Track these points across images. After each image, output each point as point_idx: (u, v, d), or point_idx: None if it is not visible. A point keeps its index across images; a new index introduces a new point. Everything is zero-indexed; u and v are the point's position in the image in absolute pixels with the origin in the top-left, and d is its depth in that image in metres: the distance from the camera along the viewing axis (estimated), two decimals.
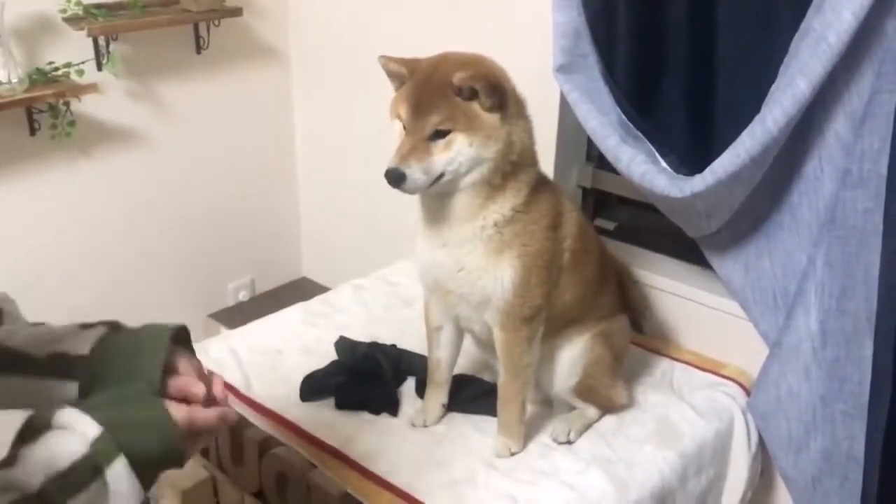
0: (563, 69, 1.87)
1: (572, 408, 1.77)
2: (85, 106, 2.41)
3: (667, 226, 1.96)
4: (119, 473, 0.78)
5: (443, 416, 1.76)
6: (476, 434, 1.71)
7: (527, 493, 1.55)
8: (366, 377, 1.84)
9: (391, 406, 1.79)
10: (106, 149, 2.54)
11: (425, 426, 1.74)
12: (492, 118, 1.44)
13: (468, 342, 1.77)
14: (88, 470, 0.76)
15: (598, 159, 2.24)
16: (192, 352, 0.96)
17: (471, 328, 1.68)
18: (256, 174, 3.00)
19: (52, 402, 0.82)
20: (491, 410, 1.70)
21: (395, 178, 1.41)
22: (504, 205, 1.50)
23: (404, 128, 1.46)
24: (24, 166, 2.38)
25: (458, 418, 1.77)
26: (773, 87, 1.60)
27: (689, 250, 2.04)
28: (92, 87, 2.33)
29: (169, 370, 0.90)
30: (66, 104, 2.34)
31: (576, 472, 1.62)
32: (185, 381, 0.90)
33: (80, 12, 2.31)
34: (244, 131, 2.89)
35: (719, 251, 1.92)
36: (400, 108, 1.46)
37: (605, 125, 1.84)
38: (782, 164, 1.70)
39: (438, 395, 1.75)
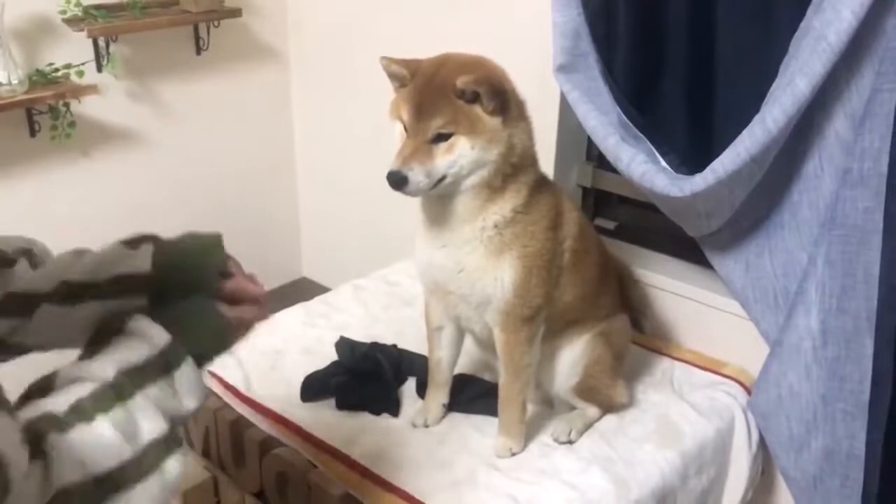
0: (562, 69, 1.87)
1: (573, 407, 1.77)
2: (85, 107, 2.41)
3: (667, 225, 1.96)
4: (186, 373, 0.86)
5: (443, 417, 1.76)
6: (477, 434, 1.71)
7: (528, 493, 1.55)
8: (366, 377, 1.84)
9: (392, 406, 1.78)
10: (106, 150, 2.54)
11: (426, 426, 1.74)
12: (494, 121, 1.44)
13: (469, 342, 1.77)
14: (158, 369, 0.84)
15: (598, 159, 2.24)
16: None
17: (471, 328, 1.68)
18: (256, 174, 3.00)
19: (124, 313, 0.88)
20: (492, 410, 1.70)
21: (398, 180, 1.41)
22: (504, 206, 1.50)
23: (405, 130, 1.46)
24: (24, 167, 2.38)
25: (458, 418, 1.77)
26: (773, 86, 1.60)
27: (689, 249, 2.04)
28: (92, 88, 2.33)
29: (222, 273, 0.99)
30: (66, 105, 2.34)
31: (577, 471, 1.62)
32: (239, 284, 1.00)
33: (80, 13, 2.31)
34: (244, 132, 2.90)
35: (720, 250, 1.92)
36: (402, 109, 1.46)
37: (605, 125, 1.84)
38: (782, 164, 1.69)
39: (439, 395, 1.75)
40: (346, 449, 1.64)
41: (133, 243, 0.97)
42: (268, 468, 1.65)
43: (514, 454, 1.66)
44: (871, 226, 1.53)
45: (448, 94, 1.42)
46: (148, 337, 0.85)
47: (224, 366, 1.89)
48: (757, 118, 1.60)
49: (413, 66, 1.49)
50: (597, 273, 1.72)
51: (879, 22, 1.46)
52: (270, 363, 1.93)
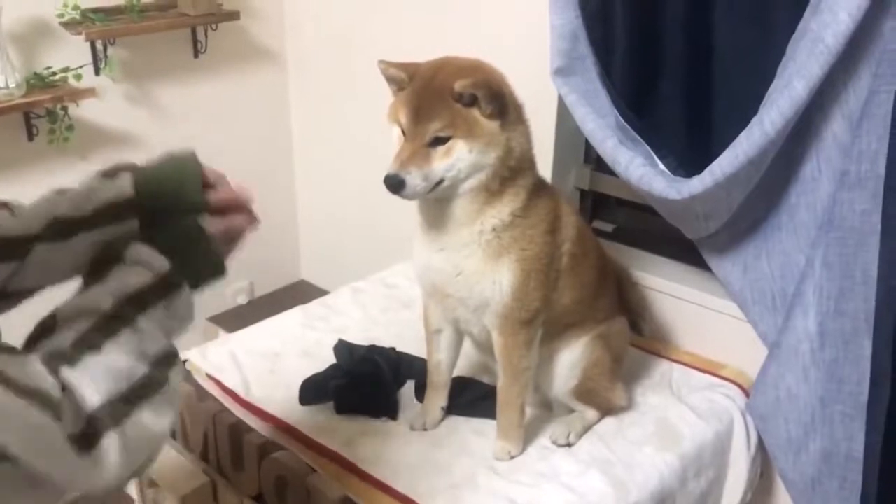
0: (560, 72, 1.87)
1: (571, 410, 1.77)
2: (83, 110, 2.41)
3: (665, 227, 1.96)
4: (183, 297, 0.91)
5: (442, 420, 1.76)
6: (475, 437, 1.71)
7: (527, 496, 1.55)
8: (365, 380, 1.83)
9: (390, 409, 1.78)
10: (104, 153, 2.54)
11: (425, 429, 1.74)
12: (492, 125, 1.44)
13: (468, 345, 1.77)
14: (158, 293, 0.87)
15: (595, 161, 2.24)
16: None
17: (470, 331, 1.68)
18: (254, 177, 2.95)
19: (120, 240, 0.92)
20: (490, 413, 1.70)
21: (395, 184, 1.41)
22: (502, 210, 1.50)
23: (403, 133, 1.46)
24: (22, 171, 2.38)
25: (457, 421, 1.77)
26: (771, 88, 1.60)
27: (687, 252, 2.04)
28: (90, 92, 2.33)
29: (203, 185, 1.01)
30: (64, 109, 2.34)
31: (575, 474, 1.62)
32: (221, 193, 1.02)
33: (78, 17, 2.31)
34: (242, 135, 2.89)
35: (717, 252, 1.92)
36: (399, 113, 1.46)
37: (603, 127, 1.84)
38: (780, 166, 1.70)
39: (438, 398, 1.75)
40: (345, 452, 1.64)
41: (111, 173, 1.00)
42: (267, 472, 1.64)
43: (512, 457, 1.66)
44: (869, 228, 1.53)
45: (446, 97, 1.42)
46: (147, 263, 0.88)
47: (222, 369, 1.89)
48: (755, 120, 1.60)
49: (411, 70, 1.49)
50: (595, 276, 1.72)
51: (876, 24, 1.47)
52: (269, 366, 1.93)
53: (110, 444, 0.75)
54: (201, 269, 0.95)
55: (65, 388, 0.75)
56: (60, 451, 0.72)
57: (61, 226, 0.96)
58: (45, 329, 0.83)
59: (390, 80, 1.51)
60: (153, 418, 0.80)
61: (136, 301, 0.85)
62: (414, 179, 1.41)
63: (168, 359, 0.86)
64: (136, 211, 0.97)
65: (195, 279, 0.94)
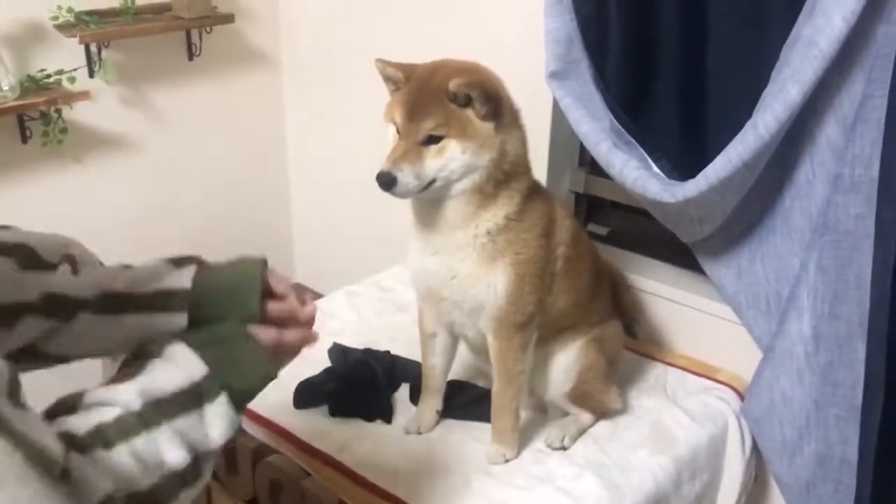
0: (555, 75, 1.88)
1: (566, 413, 1.77)
2: (77, 113, 2.41)
3: (660, 231, 1.97)
4: (219, 408, 0.84)
5: (437, 423, 1.76)
6: (471, 441, 1.71)
7: (522, 499, 1.55)
8: (359, 384, 1.83)
9: (385, 413, 1.78)
10: (98, 156, 2.53)
11: (420, 433, 1.74)
12: (486, 126, 1.44)
13: (463, 348, 1.77)
14: (189, 401, 0.81)
15: (590, 164, 2.24)
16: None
17: (465, 335, 1.68)
18: (248, 180, 2.99)
19: (163, 335, 0.87)
20: (485, 417, 1.70)
21: (387, 181, 1.41)
22: (497, 213, 1.50)
23: (398, 132, 1.46)
24: (15, 174, 2.37)
25: (452, 425, 1.77)
26: (765, 92, 1.61)
27: (681, 255, 2.04)
28: (84, 95, 2.32)
29: (267, 294, 0.97)
30: (58, 111, 2.33)
31: (570, 477, 1.62)
32: (284, 305, 0.98)
33: (72, 19, 2.31)
34: (236, 138, 2.89)
35: (712, 256, 1.92)
36: (395, 112, 1.46)
37: (598, 130, 1.85)
38: (774, 170, 1.70)
39: (433, 401, 1.75)
40: (340, 456, 1.64)
41: (179, 262, 0.98)
42: (261, 476, 1.64)
43: (507, 461, 1.66)
44: (863, 231, 1.53)
45: (441, 97, 1.43)
46: (183, 366, 0.83)
47: None
48: (749, 124, 1.60)
49: (408, 70, 1.49)
50: (590, 279, 1.73)
51: (870, 29, 1.47)
52: None
53: None
54: (245, 376, 0.88)
55: (69, 470, 0.70)
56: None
57: (112, 300, 0.93)
58: (66, 408, 0.78)
59: (387, 79, 1.52)
60: None
61: (164, 404, 0.80)
62: (406, 177, 1.41)
63: (183, 478, 0.80)
64: (189, 306, 0.93)
65: (238, 386, 0.87)
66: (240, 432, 1.70)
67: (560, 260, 1.62)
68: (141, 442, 0.77)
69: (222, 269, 0.98)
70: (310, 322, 1.00)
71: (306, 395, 1.80)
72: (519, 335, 1.58)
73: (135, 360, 0.85)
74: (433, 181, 1.44)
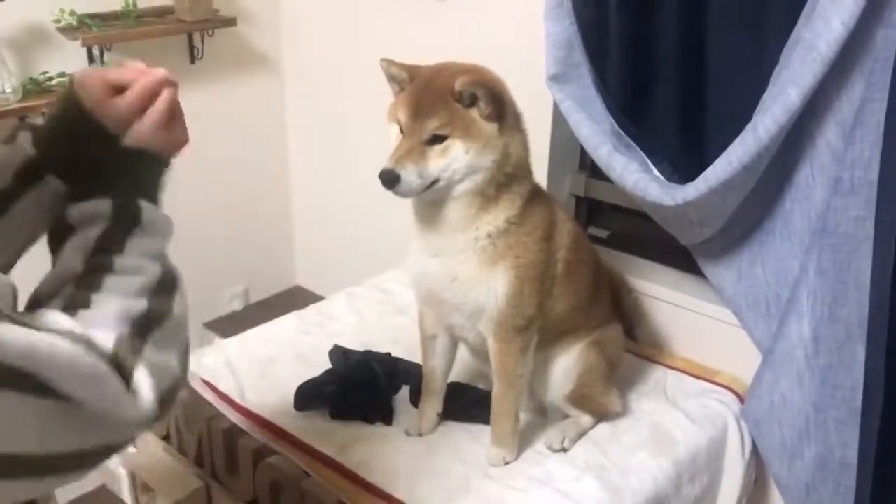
0: (555, 78, 1.88)
1: (566, 416, 1.78)
2: None
3: (660, 234, 1.97)
4: (148, 214, 0.87)
5: (437, 425, 1.76)
6: (471, 443, 1.71)
7: (522, 501, 1.55)
8: (360, 386, 1.83)
9: (385, 414, 1.78)
10: None
11: (420, 435, 1.74)
12: (490, 127, 1.45)
13: (463, 350, 1.78)
14: (118, 230, 0.85)
15: (590, 168, 2.24)
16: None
17: (465, 337, 1.69)
18: (250, 183, 3.00)
19: (53, 205, 0.89)
20: (485, 419, 1.70)
21: (390, 179, 1.41)
22: (498, 216, 1.51)
23: (401, 131, 1.46)
24: None
25: (452, 427, 1.77)
26: (765, 95, 1.61)
27: (681, 258, 2.05)
28: None
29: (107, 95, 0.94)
30: None
31: (570, 479, 1.62)
32: (132, 98, 0.94)
33: (74, 22, 2.32)
34: (238, 141, 2.90)
35: (712, 259, 1.92)
36: (399, 111, 1.47)
37: (598, 134, 1.85)
38: (774, 172, 1.71)
39: (433, 403, 1.75)
40: (340, 457, 1.64)
41: (9, 138, 0.96)
42: (261, 477, 1.64)
43: (507, 463, 1.66)
44: (863, 234, 1.54)
45: (446, 96, 1.43)
46: (91, 215, 0.85)
47: (218, 375, 1.89)
48: (748, 127, 1.61)
49: (412, 70, 1.50)
50: (590, 283, 1.73)
51: (869, 32, 1.48)
52: (264, 371, 1.93)
53: (141, 377, 0.76)
54: (143, 180, 0.90)
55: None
56: (114, 390, 0.73)
57: None
58: (34, 308, 0.81)
59: (391, 79, 1.52)
60: (163, 353, 0.79)
61: (102, 248, 0.83)
62: (409, 176, 1.41)
63: (165, 286, 0.84)
64: (50, 168, 0.92)
65: (147, 190, 0.90)
66: (240, 433, 1.71)
67: (560, 263, 1.63)
68: (109, 283, 0.80)
69: (51, 115, 0.96)
70: (154, 77, 0.97)
71: (307, 396, 1.80)
72: (519, 338, 1.58)
73: (56, 242, 0.87)
74: (436, 181, 1.45)
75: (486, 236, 1.51)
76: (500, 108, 1.46)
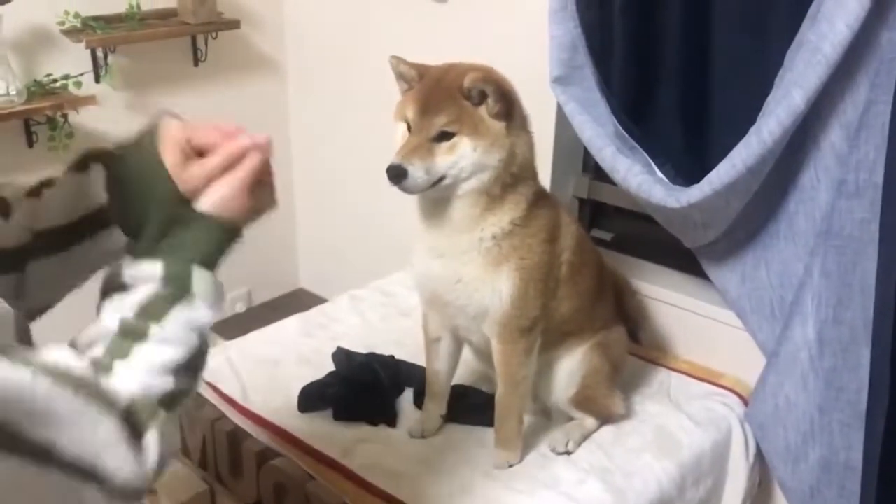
0: (559, 81, 1.88)
1: (570, 418, 1.77)
2: (83, 118, 2.42)
3: (663, 236, 1.97)
4: (201, 285, 0.82)
5: (441, 427, 1.76)
6: (475, 445, 1.71)
7: None
8: (364, 388, 1.83)
9: (389, 417, 1.78)
10: None
11: (423, 437, 1.74)
12: (498, 125, 1.45)
13: (467, 353, 1.77)
14: (168, 298, 0.80)
15: (594, 170, 2.24)
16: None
17: (469, 339, 1.69)
18: None
19: (113, 265, 0.84)
20: (489, 421, 1.70)
21: (397, 174, 1.41)
22: (503, 217, 1.50)
23: (409, 129, 1.47)
24: (21, 178, 2.38)
25: (456, 429, 1.77)
26: (769, 98, 1.61)
27: (686, 260, 2.05)
28: (90, 99, 2.33)
29: (188, 157, 0.90)
30: (64, 116, 2.34)
31: (575, 482, 1.62)
32: (211, 165, 0.89)
33: (79, 24, 2.32)
34: None
35: (716, 261, 1.92)
36: (407, 108, 1.47)
37: (602, 136, 1.85)
38: (778, 175, 1.70)
39: (437, 406, 1.75)
40: (344, 459, 1.64)
41: (81, 165, 0.93)
42: (265, 479, 1.64)
43: (511, 466, 1.65)
44: (867, 236, 1.53)
45: (455, 94, 1.44)
46: (144, 277, 0.81)
47: (221, 377, 1.89)
48: (753, 129, 1.61)
49: (422, 69, 1.51)
50: (594, 285, 1.73)
51: (874, 35, 1.48)
52: (268, 374, 1.93)
53: (152, 438, 0.73)
54: (206, 247, 0.85)
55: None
56: (111, 437, 0.70)
57: (51, 238, 0.90)
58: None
59: (400, 77, 1.52)
60: (173, 425, 0.77)
61: (143, 313, 0.79)
62: (416, 171, 1.41)
63: (194, 363, 0.80)
64: (116, 219, 0.91)
65: (208, 257, 0.84)
66: (244, 436, 1.71)
67: (564, 266, 1.62)
68: (137, 355, 0.76)
69: (127, 157, 0.92)
70: (245, 144, 0.92)
71: (311, 398, 1.80)
72: (523, 340, 1.58)
73: (105, 296, 0.82)
74: (442, 178, 1.44)
75: (490, 237, 1.51)
76: (509, 107, 1.46)
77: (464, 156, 1.43)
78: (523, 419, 1.68)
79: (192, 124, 0.94)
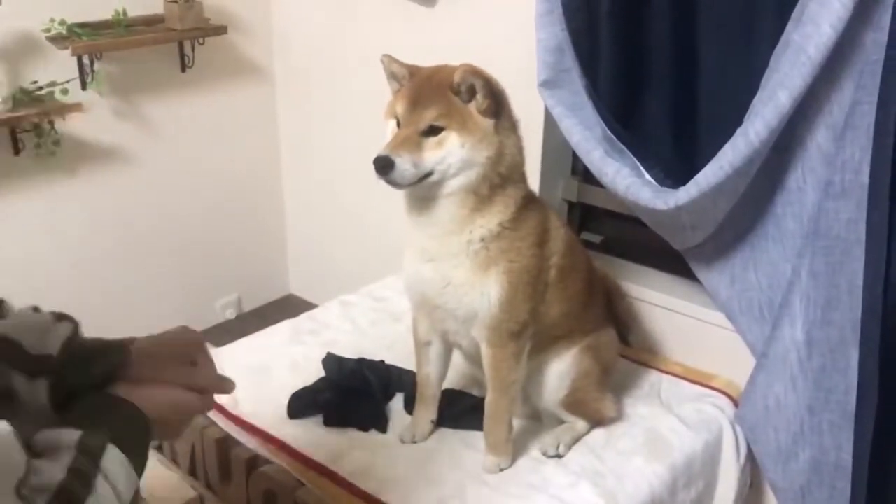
0: (547, 84, 1.89)
1: (561, 421, 1.77)
2: (69, 125, 2.41)
3: (653, 239, 1.97)
4: (113, 457, 0.78)
5: (432, 432, 1.76)
6: (465, 449, 1.71)
7: None
8: (354, 393, 1.83)
9: (380, 422, 1.78)
10: (91, 167, 2.53)
11: (414, 442, 1.73)
12: (486, 122, 1.46)
13: (457, 357, 1.77)
14: (86, 467, 0.75)
15: (583, 173, 2.25)
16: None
17: (458, 343, 1.68)
18: (242, 191, 3.00)
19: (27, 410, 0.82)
20: (480, 425, 1.70)
21: (384, 165, 1.40)
22: (491, 219, 1.50)
23: (398, 124, 1.47)
24: (8, 186, 2.37)
25: (447, 434, 1.76)
26: (755, 99, 1.62)
27: (675, 263, 2.05)
28: (76, 107, 2.32)
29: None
30: (51, 123, 2.33)
31: (566, 485, 1.61)
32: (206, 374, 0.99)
33: (64, 31, 2.31)
34: (230, 149, 2.90)
35: (705, 263, 1.93)
36: (397, 104, 1.48)
37: (590, 139, 1.85)
38: (765, 176, 1.71)
39: (427, 410, 1.75)
40: (334, 466, 1.63)
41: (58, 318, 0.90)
42: (255, 486, 1.63)
43: (502, 470, 1.65)
44: (854, 237, 1.54)
45: (445, 90, 1.45)
46: (55, 444, 0.76)
47: None
48: (739, 131, 1.61)
49: (413, 68, 1.52)
50: (583, 288, 1.73)
51: (858, 36, 1.49)
52: (257, 380, 1.92)
53: None
54: (126, 432, 0.82)
55: None
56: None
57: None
58: None
59: (391, 76, 1.53)
60: None
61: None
62: (404, 164, 1.41)
63: None
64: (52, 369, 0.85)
65: (125, 441, 0.81)
66: (233, 443, 1.70)
67: (553, 269, 1.62)
68: None
69: (90, 348, 0.90)
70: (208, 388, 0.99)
71: (300, 404, 1.80)
72: (513, 343, 1.58)
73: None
74: (430, 174, 1.44)
75: (479, 240, 1.51)
76: (498, 105, 1.47)
77: (451, 152, 1.44)
78: (512, 423, 1.68)
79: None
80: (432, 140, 1.44)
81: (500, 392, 1.62)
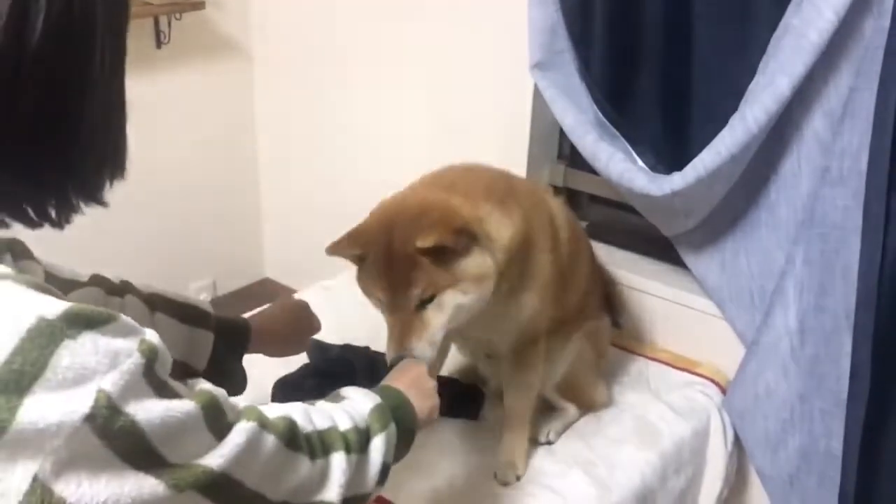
0: (539, 66, 1.85)
1: (551, 407, 1.75)
2: None
3: (640, 224, 1.96)
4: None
5: None
6: (456, 439, 1.68)
7: (509, 498, 1.52)
8: (339, 381, 1.77)
9: None
10: None
11: None
12: (472, 260, 1.32)
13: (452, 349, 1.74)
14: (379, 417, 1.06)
15: (569, 158, 2.22)
16: None
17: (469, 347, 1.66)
18: (217, 171, 2.93)
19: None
20: (470, 413, 1.67)
21: None
22: (509, 269, 1.42)
23: (384, 308, 1.36)
24: None
25: (438, 423, 1.72)
26: (753, 84, 1.60)
27: (662, 249, 2.04)
28: None
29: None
30: None
31: (557, 474, 1.60)
32: None
33: None
34: (205, 127, 2.82)
35: (695, 249, 1.91)
36: (375, 290, 1.35)
37: (583, 123, 1.83)
38: (760, 162, 1.70)
39: None
40: None
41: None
42: None
43: (518, 478, 1.57)
44: (851, 224, 1.53)
45: (414, 259, 1.29)
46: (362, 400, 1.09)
47: None
48: (737, 116, 1.60)
49: (362, 240, 1.36)
50: (589, 271, 1.71)
51: (859, 22, 1.47)
52: None
53: (337, 462, 0.94)
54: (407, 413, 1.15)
55: None
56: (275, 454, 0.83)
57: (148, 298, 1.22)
58: None
59: (345, 257, 1.40)
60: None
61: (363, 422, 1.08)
62: (422, 351, 1.29)
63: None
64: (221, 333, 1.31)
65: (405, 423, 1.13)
66: None
67: (566, 257, 1.59)
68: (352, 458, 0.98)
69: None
70: None
71: (284, 392, 1.76)
72: (534, 346, 1.56)
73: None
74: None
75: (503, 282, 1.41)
76: (471, 234, 1.32)
77: (457, 306, 1.32)
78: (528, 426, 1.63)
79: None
80: (430, 309, 1.31)
81: (523, 394, 1.58)
